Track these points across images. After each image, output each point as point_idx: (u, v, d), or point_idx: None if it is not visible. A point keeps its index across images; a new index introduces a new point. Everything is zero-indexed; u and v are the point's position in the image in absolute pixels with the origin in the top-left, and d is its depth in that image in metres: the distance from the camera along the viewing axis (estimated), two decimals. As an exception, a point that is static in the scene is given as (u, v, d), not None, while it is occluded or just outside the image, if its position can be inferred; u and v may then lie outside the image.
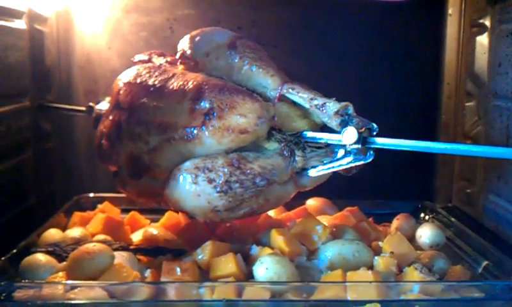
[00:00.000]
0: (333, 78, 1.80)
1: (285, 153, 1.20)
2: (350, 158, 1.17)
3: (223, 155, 1.18)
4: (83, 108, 1.61)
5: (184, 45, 1.35)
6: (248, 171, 1.17)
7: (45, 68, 1.73)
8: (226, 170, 1.16)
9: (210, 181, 1.16)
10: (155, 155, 1.25)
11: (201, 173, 1.17)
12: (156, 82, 1.28)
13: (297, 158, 1.21)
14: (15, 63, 1.51)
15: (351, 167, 1.26)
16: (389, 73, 1.86)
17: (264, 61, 1.27)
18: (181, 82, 1.24)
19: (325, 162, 1.22)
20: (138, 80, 1.32)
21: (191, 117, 1.19)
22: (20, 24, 1.56)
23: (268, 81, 1.25)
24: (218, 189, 1.16)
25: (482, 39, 1.66)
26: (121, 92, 1.35)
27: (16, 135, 1.53)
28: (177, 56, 1.36)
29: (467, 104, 1.76)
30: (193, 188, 1.17)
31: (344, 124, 1.16)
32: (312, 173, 1.24)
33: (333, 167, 1.21)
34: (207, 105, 1.18)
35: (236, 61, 1.27)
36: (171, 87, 1.25)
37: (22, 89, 1.58)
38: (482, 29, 1.66)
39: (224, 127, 1.17)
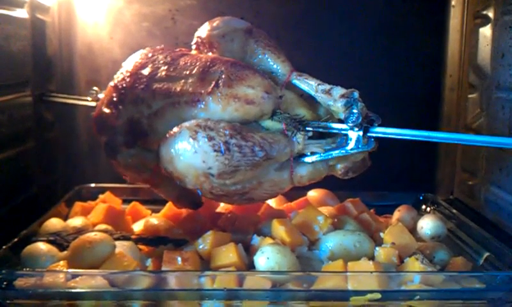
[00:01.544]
0: (334, 69, 1.79)
1: (287, 132, 1.20)
2: (351, 145, 1.17)
3: (226, 121, 1.19)
4: (84, 98, 1.61)
5: (200, 30, 1.37)
6: (249, 138, 1.17)
7: (46, 58, 1.73)
8: (227, 132, 1.16)
9: (210, 139, 1.15)
10: (155, 120, 1.25)
11: (202, 131, 1.16)
12: (168, 57, 1.31)
13: (298, 140, 1.20)
14: (17, 52, 1.51)
15: (348, 170, 1.26)
16: (391, 65, 1.85)
17: (276, 49, 1.31)
18: (194, 58, 1.28)
19: (326, 148, 1.22)
20: (150, 55, 1.34)
21: (200, 84, 1.21)
22: (21, 13, 1.55)
23: (278, 66, 1.29)
24: (216, 148, 1.15)
25: (485, 31, 1.65)
26: (131, 62, 1.36)
27: (18, 125, 1.53)
28: (193, 42, 1.38)
29: (469, 96, 1.76)
30: (191, 143, 1.16)
31: (349, 106, 1.17)
32: (310, 159, 1.23)
33: (332, 154, 1.20)
34: (218, 75, 1.20)
35: (250, 45, 1.31)
36: (183, 61, 1.27)
37: (24, 78, 1.58)
38: (485, 20, 1.65)
39: (231, 95, 1.18)
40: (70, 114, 1.83)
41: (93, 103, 1.56)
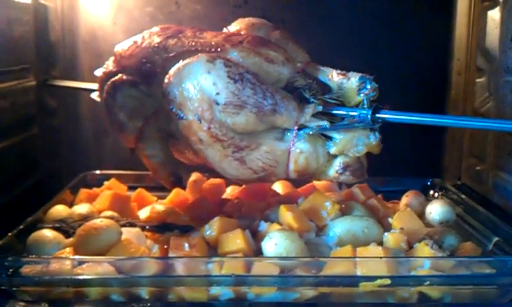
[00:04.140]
0: (340, 53, 1.77)
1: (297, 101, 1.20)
2: (359, 119, 1.16)
3: None
4: (88, 82, 1.59)
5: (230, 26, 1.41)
6: (263, 83, 1.18)
7: (49, 44, 1.72)
8: (245, 68, 1.18)
9: (227, 66, 1.17)
10: (171, 61, 1.26)
11: (221, 59, 1.18)
12: (194, 28, 1.34)
13: (307, 110, 1.19)
14: (19, 37, 1.50)
15: (346, 168, 1.23)
16: (398, 49, 1.83)
17: (298, 42, 1.36)
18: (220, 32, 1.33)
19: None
20: (177, 25, 1.39)
21: (224, 41, 1.25)
22: (24, -2, 1.54)
23: (298, 55, 1.31)
24: (231, 75, 1.16)
25: (494, 14, 1.62)
26: (156, 27, 1.38)
27: (21, 111, 1.53)
28: None
29: (477, 80, 1.73)
30: (207, 65, 1.17)
31: (363, 81, 1.19)
32: (313, 131, 1.21)
33: (338, 127, 1.19)
34: (242, 38, 1.25)
35: (275, 34, 1.35)
36: (210, 31, 1.31)
37: (26, 64, 1.57)
38: (493, 3, 1.62)
39: (253, 50, 1.22)
40: (73, 100, 1.82)
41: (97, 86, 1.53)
